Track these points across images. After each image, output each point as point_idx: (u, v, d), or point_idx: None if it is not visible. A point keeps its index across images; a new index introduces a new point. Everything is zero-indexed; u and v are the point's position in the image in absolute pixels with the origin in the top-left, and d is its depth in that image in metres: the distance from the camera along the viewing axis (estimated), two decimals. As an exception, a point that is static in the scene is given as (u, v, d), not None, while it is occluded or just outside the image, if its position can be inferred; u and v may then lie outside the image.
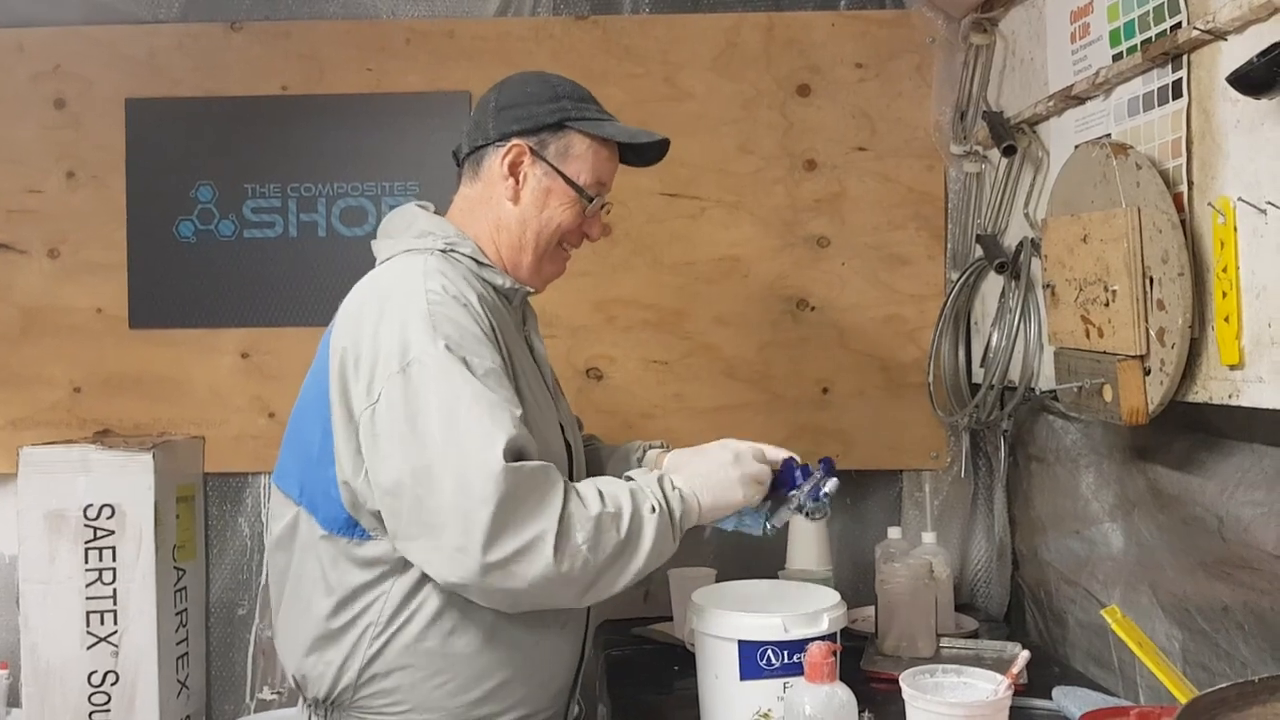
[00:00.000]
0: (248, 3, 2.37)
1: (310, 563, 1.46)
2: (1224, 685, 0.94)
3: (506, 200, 1.55)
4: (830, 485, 1.53)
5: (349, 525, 1.41)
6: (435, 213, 1.59)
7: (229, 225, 2.34)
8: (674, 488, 1.43)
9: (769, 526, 1.55)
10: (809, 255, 2.33)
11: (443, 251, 1.50)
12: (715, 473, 1.48)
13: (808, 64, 2.33)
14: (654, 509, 1.38)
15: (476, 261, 1.53)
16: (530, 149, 1.54)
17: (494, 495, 1.27)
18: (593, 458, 1.79)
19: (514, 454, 1.31)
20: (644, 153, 1.64)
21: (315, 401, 1.45)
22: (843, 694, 1.34)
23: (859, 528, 2.40)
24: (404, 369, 1.34)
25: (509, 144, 1.53)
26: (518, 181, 1.54)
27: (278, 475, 1.53)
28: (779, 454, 1.57)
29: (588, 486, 1.38)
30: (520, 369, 1.49)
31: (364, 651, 1.41)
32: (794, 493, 1.54)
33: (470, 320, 1.39)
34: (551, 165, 1.54)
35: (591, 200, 1.56)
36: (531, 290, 1.60)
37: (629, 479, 1.45)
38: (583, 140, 1.55)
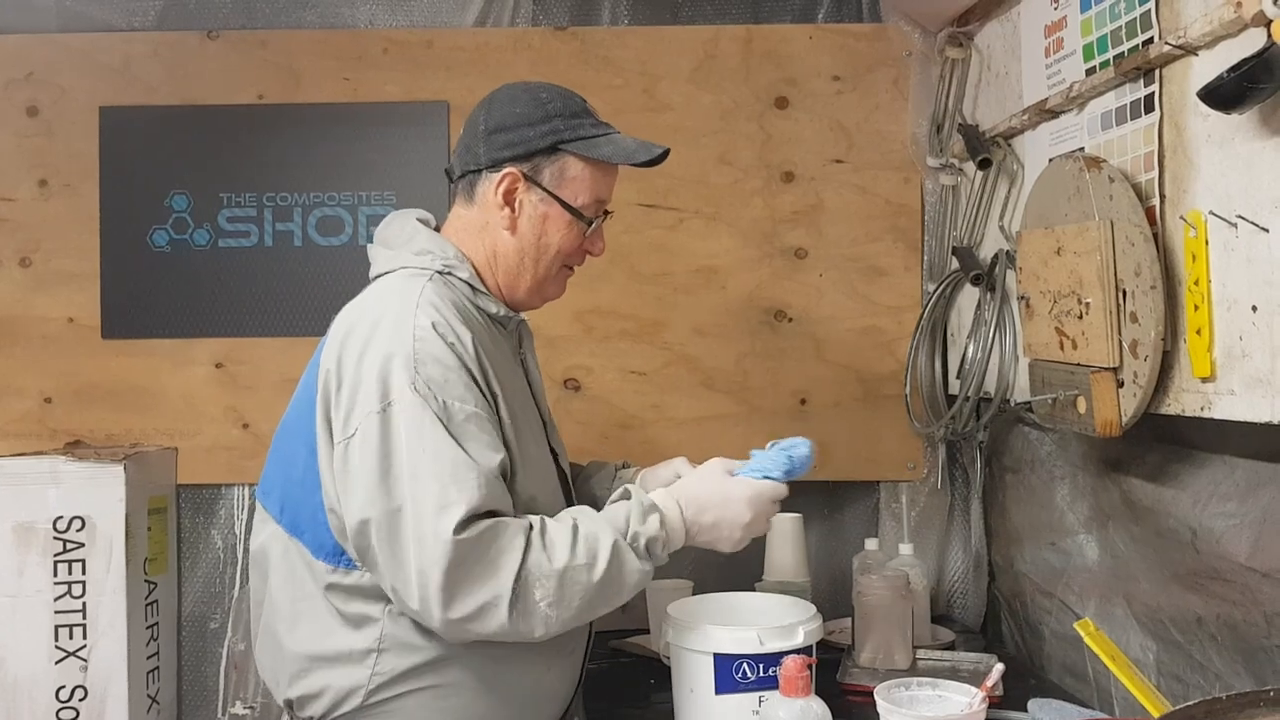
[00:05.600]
0: (224, 11, 2.36)
1: (300, 585, 1.43)
2: (1192, 703, 0.94)
3: (503, 230, 1.50)
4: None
5: (336, 553, 1.40)
6: (435, 228, 1.56)
7: (204, 234, 2.33)
8: (660, 529, 1.39)
9: None
10: (787, 266, 2.34)
11: (439, 273, 1.47)
12: (721, 524, 1.45)
13: (785, 76, 2.34)
14: (640, 557, 1.36)
15: (472, 287, 1.50)
16: (524, 175, 1.49)
17: (443, 561, 1.27)
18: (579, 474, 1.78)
19: (473, 517, 1.29)
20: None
21: (301, 420, 1.43)
22: (818, 708, 1.33)
23: (836, 539, 2.40)
24: (383, 410, 1.33)
25: (502, 172, 1.49)
26: (513, 210, 1.50)
27: (261, 490, 1.51)
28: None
29: (563, 533, 1.35)
30: (513, 399, 1.46)
31: (365, 677, 1.39)
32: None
33: (455, 361, 1.36)
34: (547, 191, 1.49)
35: (591, 222, 1.52)
36: (523, 313, 1.59)
37: (626, 495, 1.43)
38: (578, 162, 1.50)
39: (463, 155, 1.54)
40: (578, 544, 1.34)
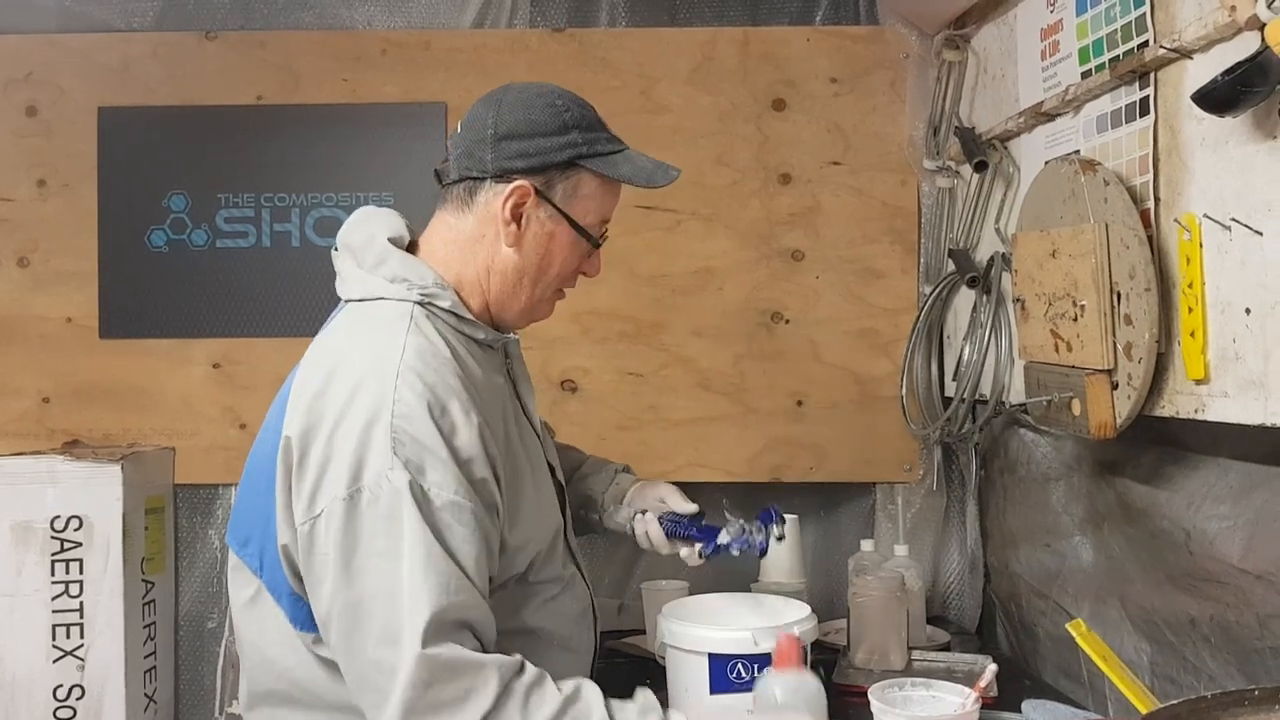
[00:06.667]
0: (223, 12, 2.36)
1: (295, 650, 1.33)
2: (1176, 701, 0.95)
3: (505, 245, 1.39)
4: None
5: (309, 620, 1.30)
6: (410, 244, 1.44)
7: (202, 235, 2.33)
8: None
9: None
10: (784, 268, 2.34)
11: (418, 304, 1.36)
12: None
13: (783, 78, 2.34)
14: None
15: (456, 315, 1.39)
16: (535, 190, 1.38)
17: (407, 677, 1.16)
18: (565, 460, 1.71)
19: (442, 627, 1.19)
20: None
21: (268, 471, 1.31)
22: (812, 682, 1.34)
23: (832, 540, 2.40)
24: (351, 495, 1.22)
25: (512, 185, 1.37)
26: (519, 226, 1.39)
27: (235, 538, 1.39)
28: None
29: (551, 700, 1.23)
30: (510, 438, 1.39)
31: None
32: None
33: (438, 441, 1.24)
34: (557, 208, 1.39)
35: (597, 244, 1.45)
36: (515, 336, 1.52)
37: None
38: (593, 179, 1.41)
39: (463, 159, 1.41)
40: (563, 716, 1.22)
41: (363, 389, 1.26)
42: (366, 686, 1.21)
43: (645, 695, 1.31)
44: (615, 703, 1.27)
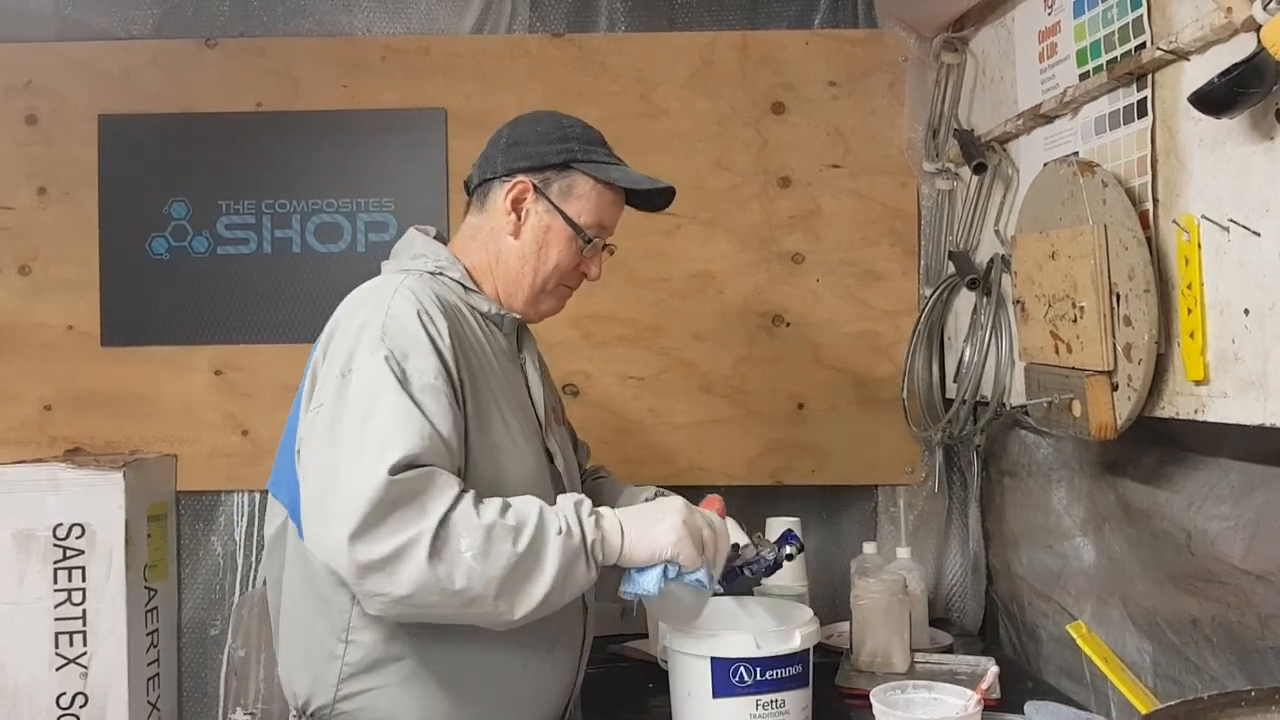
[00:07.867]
0: (222, 19, 2.37)
1: (295, 569, 1.47)
2: (1174, 703, 0.95)
3: (508, 235, 1.57)
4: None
5: None
6: (436, 237, 1.62)
7: (203, 241, 2.33)
8: (591, 513, 1.38)
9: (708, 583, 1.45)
10: (784, 271, 2.34)
11: (431, 274, 1.53)
12: (651, 512, 1.44)
13: (782, 82, 2.34)
14: (560, 530, 1.33)
15: (464, 286, 1.55)
16: (534, 186, 1.56)
17: (370, 498, 1.24)
18: (605, 489, 1.79)
19: (411, 466, 1.28)
20: (651, 198, 1.64)
21: (297, 411, 1.46)
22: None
23: (834, 543, 2.40)
24: (342, 375, 1.36)
25: (514, 180, 1.56)
26: (519, 217, 1.56)
27: (271, 482, 1.54)
28: (740, 537, 1.58)
29: (492, 501, 1.34)
30: (495, 393, 1.47)
31: (339, 665, 1.41)
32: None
33: (423, 335, 1.38)
34: (553, 203, 1.56)
35: (590, 241, 1.58)
36: (520, 317, 1.61)
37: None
38: (586, 181, 1.57)
39: (482, 166, 1.61)
40: (507, 510, 1.32)
41: (365, 306, 1.44)
42: (329, 525, 1.27)
43: (570, 494, 1.43)
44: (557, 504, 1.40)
